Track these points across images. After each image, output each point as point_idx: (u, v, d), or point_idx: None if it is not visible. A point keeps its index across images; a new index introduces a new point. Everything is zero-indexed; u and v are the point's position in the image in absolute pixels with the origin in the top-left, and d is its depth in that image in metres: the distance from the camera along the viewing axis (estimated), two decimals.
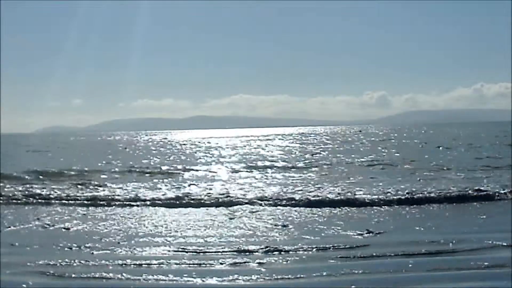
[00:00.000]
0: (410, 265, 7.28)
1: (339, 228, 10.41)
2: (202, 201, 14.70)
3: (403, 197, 14.51)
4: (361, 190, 15.72)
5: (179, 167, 26.44)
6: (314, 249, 8.47)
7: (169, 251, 8.49)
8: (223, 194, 15.77)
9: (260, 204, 13.85)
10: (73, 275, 7.12)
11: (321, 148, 44.41)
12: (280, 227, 10.63)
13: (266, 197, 14.97)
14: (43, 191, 17.56)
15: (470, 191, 15.06)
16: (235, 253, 8.30)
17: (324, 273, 6.96)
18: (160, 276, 6.98)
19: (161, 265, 7.57)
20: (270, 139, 74.46)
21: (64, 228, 10.98)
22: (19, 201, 15.72)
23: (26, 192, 17.13)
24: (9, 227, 11.12)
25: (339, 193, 15.43)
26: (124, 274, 7.09)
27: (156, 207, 13.88)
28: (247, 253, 8.24)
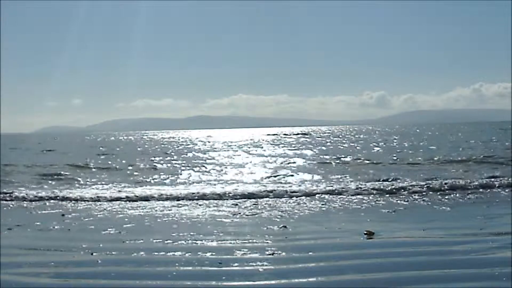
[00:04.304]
0: (409, 265, 7.27)
1: (336, 227, 10.41)
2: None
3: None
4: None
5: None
6: (311, 250, 8.45)
7: (169, 252, 8.47)
8: None
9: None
10: (72, 276, 7.11)
11: None
12: (278, 227, 10.63)
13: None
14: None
15: None
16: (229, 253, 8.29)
17: (322, 274, 6.95)
18: (159, 277, 6.98)
19: (161, 266, 7.56)
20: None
21: (64, 229, 10.98)
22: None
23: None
24: (10, 228, 11.11)
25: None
26: (123, 275, 7.08)
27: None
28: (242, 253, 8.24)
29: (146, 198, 15.57)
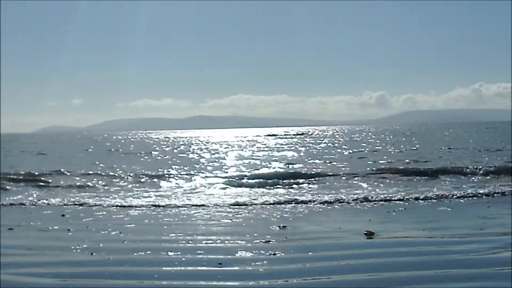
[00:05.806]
0: (409, 265, 7.27)
1: (336, 227, 10.41)
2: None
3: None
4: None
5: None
6: (311, 250, 8.45)
7: (169, 252, 8.47)
8: None
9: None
10: (72, 276, 7.11)
11: None
12: (278, 227, 10.62)
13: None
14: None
15: None
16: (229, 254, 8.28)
17: (322, 274, 6.94)
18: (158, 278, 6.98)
19: (161, 266, 7.55)
20: None
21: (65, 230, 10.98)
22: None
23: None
24: (11, 228, 11.11)
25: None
26: (123, 275, 7.08)
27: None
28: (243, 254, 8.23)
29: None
